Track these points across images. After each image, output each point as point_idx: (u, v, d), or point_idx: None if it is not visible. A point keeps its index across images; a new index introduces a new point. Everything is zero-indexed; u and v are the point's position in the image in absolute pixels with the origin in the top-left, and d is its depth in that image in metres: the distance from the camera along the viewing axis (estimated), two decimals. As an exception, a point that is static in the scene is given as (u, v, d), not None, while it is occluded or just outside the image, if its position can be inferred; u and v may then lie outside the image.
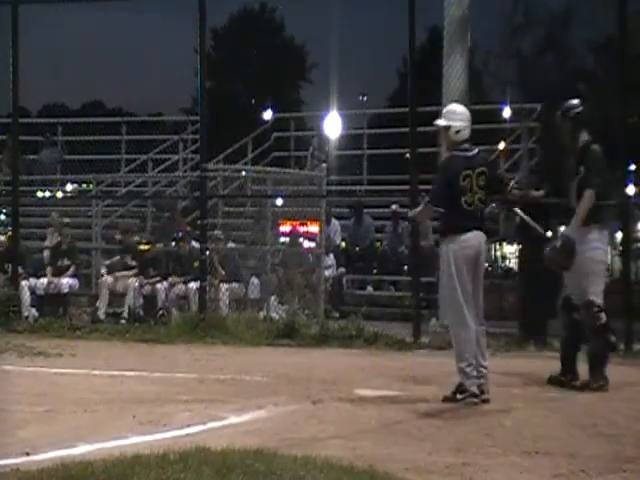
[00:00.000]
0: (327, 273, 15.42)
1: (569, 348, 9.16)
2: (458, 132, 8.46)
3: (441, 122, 8.59)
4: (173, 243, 16.05)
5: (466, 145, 8.53)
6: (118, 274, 15.46)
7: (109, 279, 15.40)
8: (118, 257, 16.15)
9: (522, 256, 13.52)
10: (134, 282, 15.19)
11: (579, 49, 33.32)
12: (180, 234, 15.90)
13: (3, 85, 14.93)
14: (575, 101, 9.34)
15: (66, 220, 16.69)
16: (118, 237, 16.22)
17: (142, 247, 15.77)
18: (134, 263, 15.63)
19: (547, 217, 13.05)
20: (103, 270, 15.93)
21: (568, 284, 9.12)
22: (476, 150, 8.64)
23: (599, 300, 8.88)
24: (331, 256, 16.18)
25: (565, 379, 9.06)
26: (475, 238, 8.38)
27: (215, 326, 13.27)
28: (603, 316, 8.87)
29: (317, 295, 14.32)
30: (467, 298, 8.23)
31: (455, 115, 8.56)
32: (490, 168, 8.81)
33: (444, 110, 8.78)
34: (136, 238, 16.35)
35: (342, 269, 16.80)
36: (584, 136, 9.12)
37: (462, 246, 8.30)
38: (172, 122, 26.92)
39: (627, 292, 12.27)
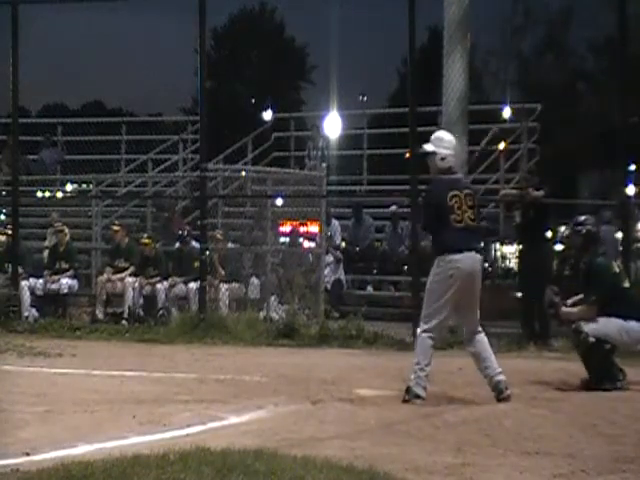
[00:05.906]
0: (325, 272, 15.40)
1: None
2: (443, 159, 8.59)
3: (428, 147, 8.73)
4: (177, 244, 15.99)
5: (451, 171, 8.67)
6: (113, 276, 15.44)
7: (104, 279, 15.38)
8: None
9: (522, 256, 13.51)
10: (134, 282, 15.18)
11: (579, 49, 33.40)
12: (185, 232, 15.84)
13: (3, 85, 14.94)
14: (587, 217, 9.61)
15: (61, 224, 16.52)
16: (124, 234, 16.01)
17: (144, 241, 15.71)
18: (126, 265, 15.58)
19: (547, 217, 13.10)
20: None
21: None
22: (460, 175, 8.90)
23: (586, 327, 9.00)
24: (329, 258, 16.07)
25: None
26: (467, 260, 8.33)
27: (215, 326, 13.27)
28: (591, 337, 8.93)
29: (317, 295, 14.32)
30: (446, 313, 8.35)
31: (442, 142, 8.69)
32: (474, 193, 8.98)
33: (432, 136, 8.90)
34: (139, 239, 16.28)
35: (340, 274, 16.69)
36: (593, 250, 9.40)
37: (451, 267, 8.26)
38: (172, 122, 26.90)
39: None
